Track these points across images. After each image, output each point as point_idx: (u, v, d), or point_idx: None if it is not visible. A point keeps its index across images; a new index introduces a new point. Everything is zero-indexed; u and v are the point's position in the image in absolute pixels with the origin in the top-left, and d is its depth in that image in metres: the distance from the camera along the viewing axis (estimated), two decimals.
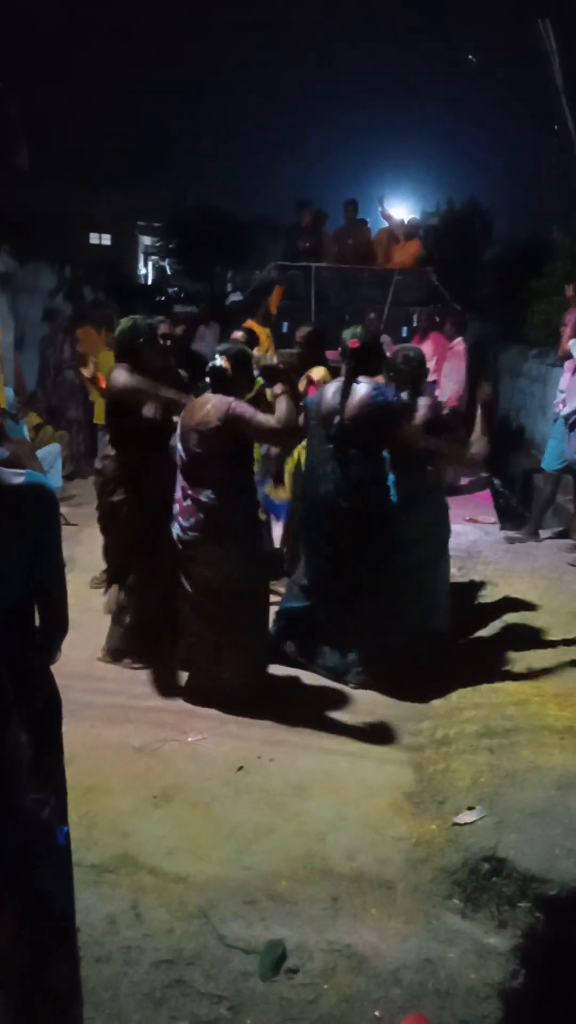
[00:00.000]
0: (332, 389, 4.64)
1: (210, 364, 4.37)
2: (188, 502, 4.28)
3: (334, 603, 4.68)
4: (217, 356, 4.36)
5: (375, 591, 4.59)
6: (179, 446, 4.37)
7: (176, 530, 4.34)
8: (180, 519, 4.31)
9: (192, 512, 4.26)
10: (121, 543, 4.80)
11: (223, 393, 4.28)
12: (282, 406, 4.23)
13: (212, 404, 4.23)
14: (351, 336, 4.65)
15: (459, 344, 9.20)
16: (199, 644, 4.42)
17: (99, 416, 9.53)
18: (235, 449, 4.26)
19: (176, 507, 4.36)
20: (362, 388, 4.55)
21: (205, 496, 4.22)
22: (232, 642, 4.33)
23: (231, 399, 4.23)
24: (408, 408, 4.67)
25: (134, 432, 4.69)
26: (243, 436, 4.25)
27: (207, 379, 4.39)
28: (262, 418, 4.19)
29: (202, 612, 4.35)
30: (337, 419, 4.51)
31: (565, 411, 6.57)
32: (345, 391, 4.54)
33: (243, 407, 4.21)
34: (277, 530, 6.12)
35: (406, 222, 11.68)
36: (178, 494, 4.36)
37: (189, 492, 4.27)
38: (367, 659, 4.63)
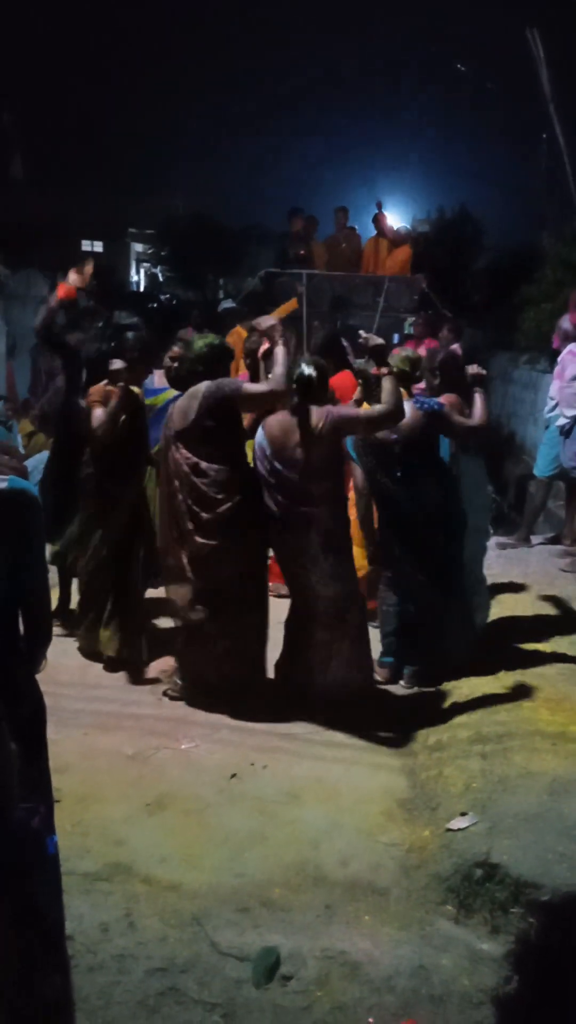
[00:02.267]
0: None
1: (297, 373, 4.36)
2: (295, 519, 4.31)
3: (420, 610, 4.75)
4: (304, 366, 4.38)
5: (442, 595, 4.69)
6: (275, 466, 4.32)
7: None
8: (290, 535, 4.35)
9: (305, 528, 4.29)
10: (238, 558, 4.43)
11: (310, 403, 4.32)
12: (388, 386, 4.25)
13: (320, 417, 4.25)
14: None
15: (456, 350, 9.19)
16: (311, 650, 4.43)
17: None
18: (339, 459, 4.40)
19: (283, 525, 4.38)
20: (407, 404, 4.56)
21: (317, 510, 4.28)
22: (342, 643, 4.41)
23: (326, 407, 4.31)
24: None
25: (239, 444, 4.57)
26: (352, 435, 4.39)
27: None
28: (365, 410, 4.31)
29: (319, 620, 4.40)
30: (395, 436, 4.51)
31: (561, 421, 6.59)
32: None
33: (343, 408, 4.37)
34: None
35: (396, 228, 11.69)
36: (275, 509, 4.37)
37: (298, 509, 4.29)
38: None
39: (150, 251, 18.03)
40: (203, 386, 4.31)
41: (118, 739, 4.08)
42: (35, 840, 2.13)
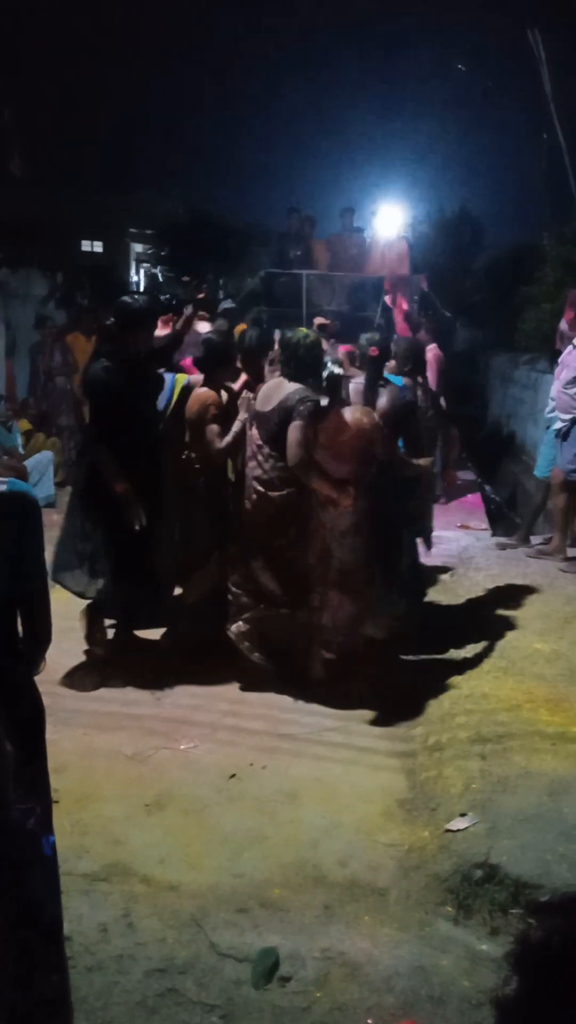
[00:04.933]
0: (353, 390, 4.95)
1: (328, 372, 4.56)
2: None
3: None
4: (332, 365, 4.61)
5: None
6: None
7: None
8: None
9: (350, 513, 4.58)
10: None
11: (338, 400, 4.61)
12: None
13: (363, 413, 4.60)
14: (369, 344, 5.08)
15: (433, 350, 9.15)
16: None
17: None
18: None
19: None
20: (391, 389, 5.00)
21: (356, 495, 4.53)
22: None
23: (371, 416, 4.65)
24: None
25: None
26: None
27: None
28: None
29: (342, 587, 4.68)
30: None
31: (558, 424, 6.59)
32: (372, 393, 4.91)
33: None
34: None
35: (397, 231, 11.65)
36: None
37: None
38: None
39: (150, 251, 17.98)
40: (293, 388, 4.45)
41: (117, 739, 4.07)
42: (31, 841, 2.12)
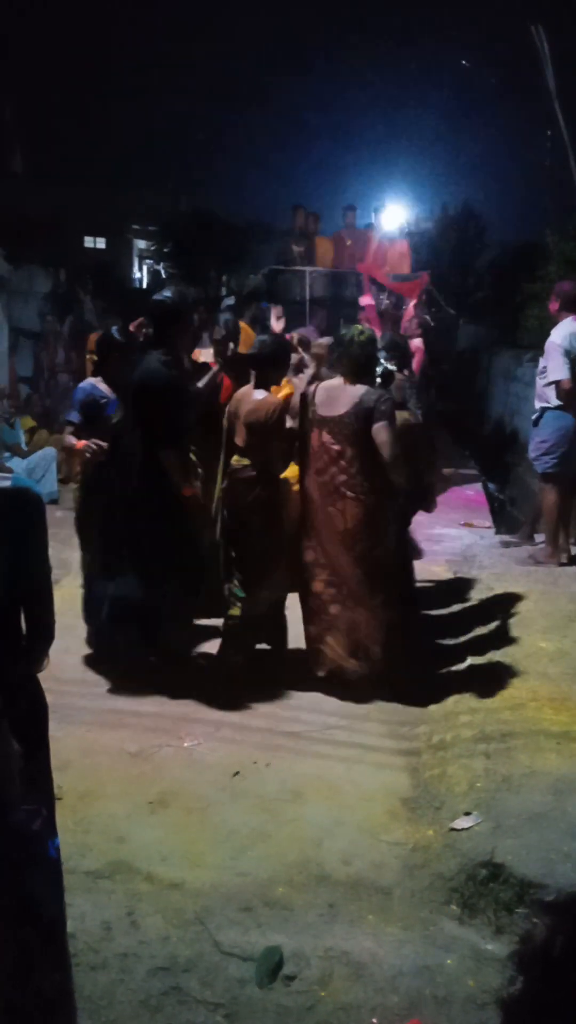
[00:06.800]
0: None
1: (384, 368, 4.64)
2: None
3: None
4: (385, 363, 4.68)
5: None
6: None
7: None
8: None
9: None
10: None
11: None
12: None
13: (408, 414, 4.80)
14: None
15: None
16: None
17: None
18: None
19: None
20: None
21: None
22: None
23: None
24: None
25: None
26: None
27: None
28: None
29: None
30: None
31: (534, 416, 6.58)
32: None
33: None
34: None
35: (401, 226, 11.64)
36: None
37: None
38: None
39: (152, 248, 18.00)
40: (362, 390, 4.38)
41: (120, 736, 4.07)
42: (36, 842, 2.11)
